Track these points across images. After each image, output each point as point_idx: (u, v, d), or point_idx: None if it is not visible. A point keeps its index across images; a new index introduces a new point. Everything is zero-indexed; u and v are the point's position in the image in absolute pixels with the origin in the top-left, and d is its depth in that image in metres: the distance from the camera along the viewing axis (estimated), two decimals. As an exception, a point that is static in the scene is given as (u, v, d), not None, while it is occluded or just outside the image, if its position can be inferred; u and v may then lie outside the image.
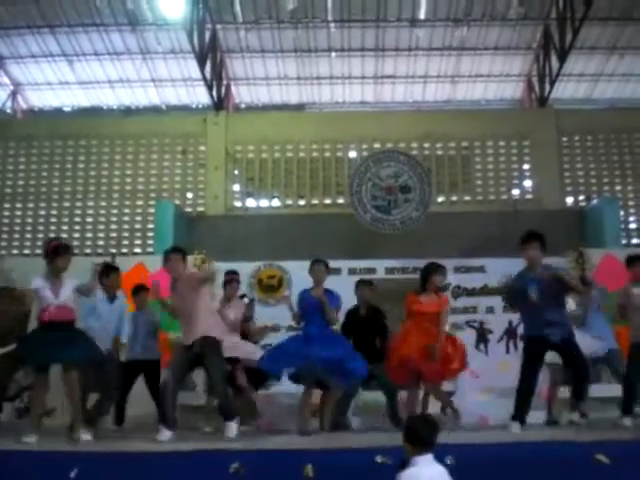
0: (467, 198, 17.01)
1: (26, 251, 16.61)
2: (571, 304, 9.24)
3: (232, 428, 7.33)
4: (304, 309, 8.54)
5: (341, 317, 9.07)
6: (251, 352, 9.02)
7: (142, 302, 9.80)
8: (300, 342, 8.31)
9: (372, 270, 13.67)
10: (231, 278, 9.67)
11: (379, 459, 5.76)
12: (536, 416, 9.92)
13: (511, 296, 8.11)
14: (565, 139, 17.20)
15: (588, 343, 8.56)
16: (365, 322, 9.28)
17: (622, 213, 16.15)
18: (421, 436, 4.39)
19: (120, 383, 8.98)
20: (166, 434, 7.23)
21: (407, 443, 4.42)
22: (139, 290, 9.92)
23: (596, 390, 9.55)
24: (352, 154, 17.19)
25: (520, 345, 13.02)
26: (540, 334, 7.56)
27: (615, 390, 9.25)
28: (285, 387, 9.74)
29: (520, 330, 12.52)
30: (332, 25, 16.42)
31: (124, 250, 16.35)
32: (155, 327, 9.78)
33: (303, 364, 8.10)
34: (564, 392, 9.30)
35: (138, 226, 16.72)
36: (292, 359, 8.19)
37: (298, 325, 8.79)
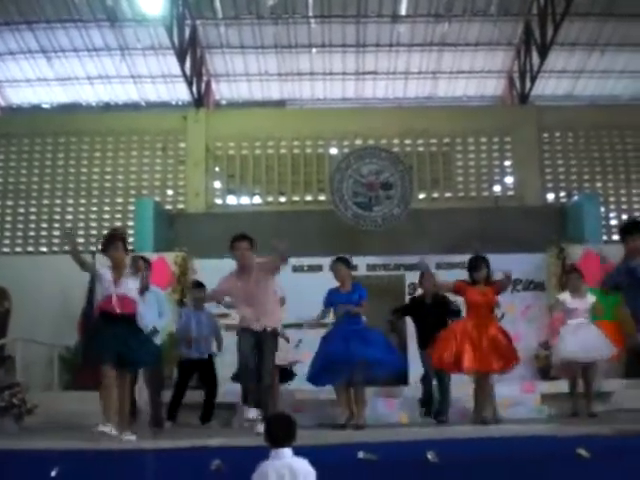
0: (448, 195, 16.99)
1: (5, 249, 16.45)
2: None
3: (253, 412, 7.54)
4: (336, 307, 8.80)
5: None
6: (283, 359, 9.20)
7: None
8: (339, 344, 8.45)
9: (354, 267, 13.64)
10: None
11: (361, 455, 5.75)
12: (514, 411, 10.01)
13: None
14: (546, 135, 17.22)
15: None
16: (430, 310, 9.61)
17: (603, 209, 16.16)
18: (271, 435, 4.69)
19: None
20: (252, 412, 7.49)
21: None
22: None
23: None
24: (333, 151, 17.14)
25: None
26: None
27: None
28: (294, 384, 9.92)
29: (501, 325, 12.55)
30: (313, 21, 16.35)
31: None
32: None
33: (347, 372, 8.42)
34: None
35: (118, 223, 16.54)
36: (338, 369, 8.44)
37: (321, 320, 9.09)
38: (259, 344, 7.72)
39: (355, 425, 8.22)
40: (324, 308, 8.95)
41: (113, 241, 7.47)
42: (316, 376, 8.69)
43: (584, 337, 9.40)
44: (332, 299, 8.85)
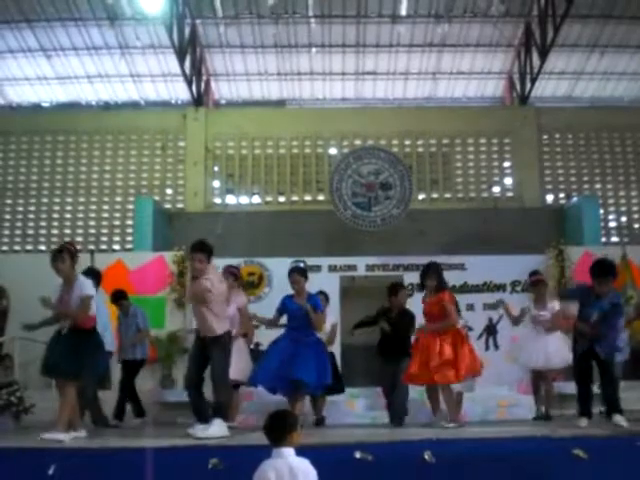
0: (448, 195, 17.00)
1: (4, 247, 16.45)
2: None
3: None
4: (289, 315, 8.82)
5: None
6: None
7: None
8: (282, 359, 8.45)
9: (352, 267, 13.74)
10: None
11: (358, 455, 5.75)
12: (511, 412, 10.03)
13: None
14: (546, 137, 17.25)
15: None
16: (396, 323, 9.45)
17: (602, 211, 16.17)
18: (266, 432, 4.68)
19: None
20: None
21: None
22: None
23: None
24: (333, 151, 17.15)
25: (499, 342, 13.12)
26: None
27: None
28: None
29: (500, 326, 12.62)
30: (313, 21, 16.36)
31: (103, 247, 16.22)
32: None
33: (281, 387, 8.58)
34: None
35: (117, 222, 16.58)
36: (272, 380, 8.52)
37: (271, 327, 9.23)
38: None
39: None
40: (276, 314, 8.99)
41: (59, 255, 7.41)
42: (257, 380, 8.78)
43: (544, 345, 9.42)
44: (285, 307, 8.89)
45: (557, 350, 9.36)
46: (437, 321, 8.62)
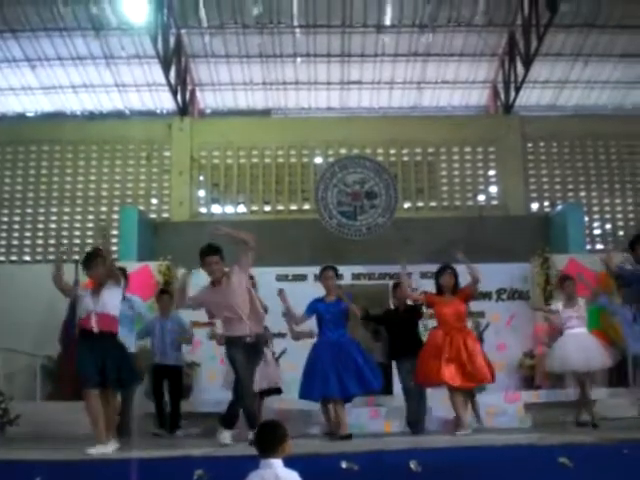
0: (433, 204, 17.03)
1: (-12, 257, 16.39)
2: None
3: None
4: (320, 318, 8.90)
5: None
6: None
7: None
8: (325, 364, 8.53)
9: (338, 276, 13.67)
10: None
11: (344, 465, 5.74)
12: (498, 420, 10.04)
13: None
14: (530, 145, 17.31)
15: None
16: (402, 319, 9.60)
17: (586, 219, 16.24)
18: (259, 443, 4.66)
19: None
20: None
21: None
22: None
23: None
24: (318, 160, 17.15)
25: (486, 350, 13.12)
26: None
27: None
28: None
29: (486, 334, 12.61)
30: (298, 31, 16.39)
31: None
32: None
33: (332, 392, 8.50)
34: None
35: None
36: (323, 388, 8.51)
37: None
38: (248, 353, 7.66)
39: (340, 436, 8.23)
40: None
41: (93, 259, 7.41)
42: (309, 392, 8.73)
43: (584, 346, 9.39)
44: (319, 311, 8.96)
45: (596, 350, 9.36)
46: (458, 321, 8.76)
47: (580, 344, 9.38)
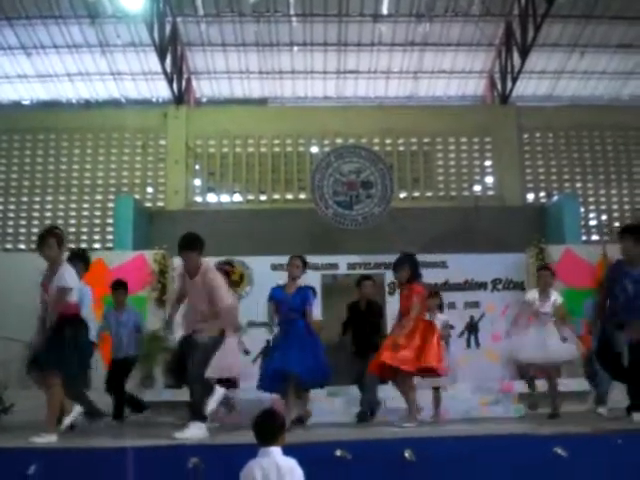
0: (429, 194, 17.04)
1: (-17, 246, 16.36)
2: None
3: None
4: (277, 307, 8.77)
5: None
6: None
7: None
8: (279, 356, 8.45)
9: (334, 266, 13.75)
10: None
11: (338, 453, 5.74)
12: (492, 410, 10.05)
13: None
14: (526, 136, 17.32)
15: None
16: (364, 316, 9.75)
17: (582, 209, 16.27)
18: (255, 431, 4.67)
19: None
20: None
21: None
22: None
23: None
24: (314, 149, 17.14)
25: (481, 340, 13.17)
26: None
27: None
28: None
29: (480, 325, 12.66)
30: (294, 19, 16.33)
31: (83, 245, 16.09)
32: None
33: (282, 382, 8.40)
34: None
35: (97, 221, 16.50)
36: (275, 380, 8.44)
37: (272, 328, 9.01)
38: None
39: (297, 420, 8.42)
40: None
41: (46, 240, 7.18)
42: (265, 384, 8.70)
43: (541, 339, 9.22)
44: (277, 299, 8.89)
45: (560, 343, 9.26)
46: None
47: (539, 337, 9.21)
